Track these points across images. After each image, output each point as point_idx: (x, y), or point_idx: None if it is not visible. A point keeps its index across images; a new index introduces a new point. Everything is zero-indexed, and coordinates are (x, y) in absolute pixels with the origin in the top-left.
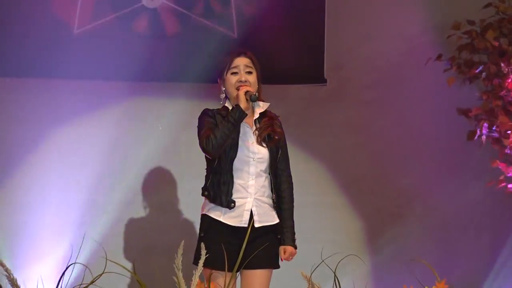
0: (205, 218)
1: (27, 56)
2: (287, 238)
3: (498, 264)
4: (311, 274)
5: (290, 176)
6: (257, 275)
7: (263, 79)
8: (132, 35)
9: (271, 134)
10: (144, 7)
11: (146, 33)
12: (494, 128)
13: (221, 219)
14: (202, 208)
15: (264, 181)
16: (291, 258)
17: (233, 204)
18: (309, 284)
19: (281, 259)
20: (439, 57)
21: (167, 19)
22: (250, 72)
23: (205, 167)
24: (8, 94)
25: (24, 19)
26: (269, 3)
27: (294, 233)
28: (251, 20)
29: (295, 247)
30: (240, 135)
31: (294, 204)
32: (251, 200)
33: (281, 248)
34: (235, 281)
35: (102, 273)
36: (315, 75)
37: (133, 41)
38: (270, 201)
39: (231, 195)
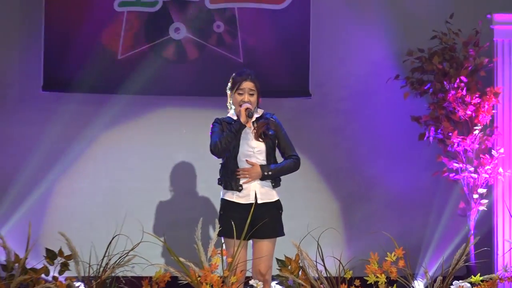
0: (222, 200)
1: (83, 76)
2: (265, 166)
3: (440, 231)
4: (300, 243)
5: (296, 157)
6: (265, 243)
7: (262, 94)
8: (162, 60)
9: (265, 131)
10: (172, 39)
11: (173, 58)
12: (439, 131)
13: (234, 199)
14: (221, 193)
15: None
16: (247, 173)
17: (241, 187)
18: (298, 250)
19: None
20: (397, 76)
21: (188, 48)
22: (252, 94)
23: (219, 162)
24: (68, 105)
25: (81, 49)
26: (267, 36)
27: (270, 170)
28: (253, 48)
29: (263, 172)
30: (242, 135)
31: (288, 187)
32: (254, 183)
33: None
34: (246, 248)
35: (140, 242)
36: (302, 91)
37: (163, 65)
38: (269, 183)
39: (239, 181)
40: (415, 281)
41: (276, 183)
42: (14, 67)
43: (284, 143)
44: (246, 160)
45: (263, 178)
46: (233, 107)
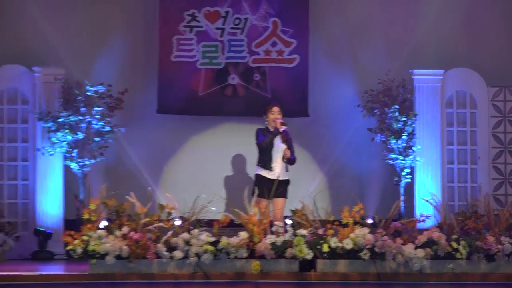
0: (257, 175)
1: (179, 104)
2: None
3: (383, 193)
4: (304, 200)
5: (296, 158)
6: (280, 200)
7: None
8: (224, 96)
9: (286, 139)
10: (230, 84)
11: (230, 94)
12: (383, 136)
13: (266, 175)
14: (256, 171)
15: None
16: (287, 154)
17: (271, 169)
18: (302, 204)
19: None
20: (358, 105)
21: (239, 88)
22: (279, 113)
23: (257, 153)
24: (171, 121)
25: (179, 88)
26: (284, 81)
27: (290, 156)
28: (275, 89)
29: (288, 155)
30: (274, 139)
31: (299, 168)
32: (279, 167)
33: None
34: (269, 204)
35: (212, 200)
36: (303, 112)
37: (224, 98)
38: (285, 168)
39: (271, 164)
40: (368, 220)
41: (288, 170)
42: (139, 98)
43: (292, 149)
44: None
45: (287, 161)
46: (267, 122)
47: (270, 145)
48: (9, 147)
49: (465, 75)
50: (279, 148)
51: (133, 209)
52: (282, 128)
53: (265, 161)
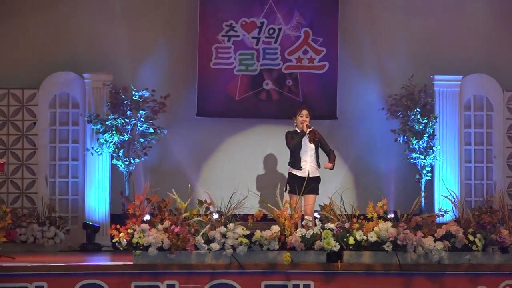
0: (290, 174)
1: (217, 108)
2: (330, 160)
3: (405, 190)
4: (331, 196)
5: (332, 150)
6: (310, 196)
7: (312, 117)
8: (259, 100)
9: (314, 138)
10: (264, 89)
11: (264, 99)
12: (405, 137)
13: (297, 173)
14: (288, 170)
15: (313, 158)
16: (329, 167)
17: (301, 168)
18: (331, 200)
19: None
20: (383, 108)
21: (273, 93)
22: (307, 116)
23: (289, 154)
24: (210, 123)
25: (216, 93)
26: (314, 86)
27: (333, 162)
28: (306, 93)
29: (332, 166)
30: (303, 140)
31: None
32: (308, 166)
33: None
34: (301, 200)
35: (247, 196)
36: (332, 115)
37: (259, 102)
38: (315, 166)
39: (300, 164)
40: (391, 215)
41: (318, 167)
42: (180, 102)
43: (325, 144)
44: (325, 166)
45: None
46: (295, 124)
47: (299, 146)
48: (60, 147)
49: (482, 81)
50: (307, 148)
51: (174, 204)
52: (307, 130)
53: (294, 161)
